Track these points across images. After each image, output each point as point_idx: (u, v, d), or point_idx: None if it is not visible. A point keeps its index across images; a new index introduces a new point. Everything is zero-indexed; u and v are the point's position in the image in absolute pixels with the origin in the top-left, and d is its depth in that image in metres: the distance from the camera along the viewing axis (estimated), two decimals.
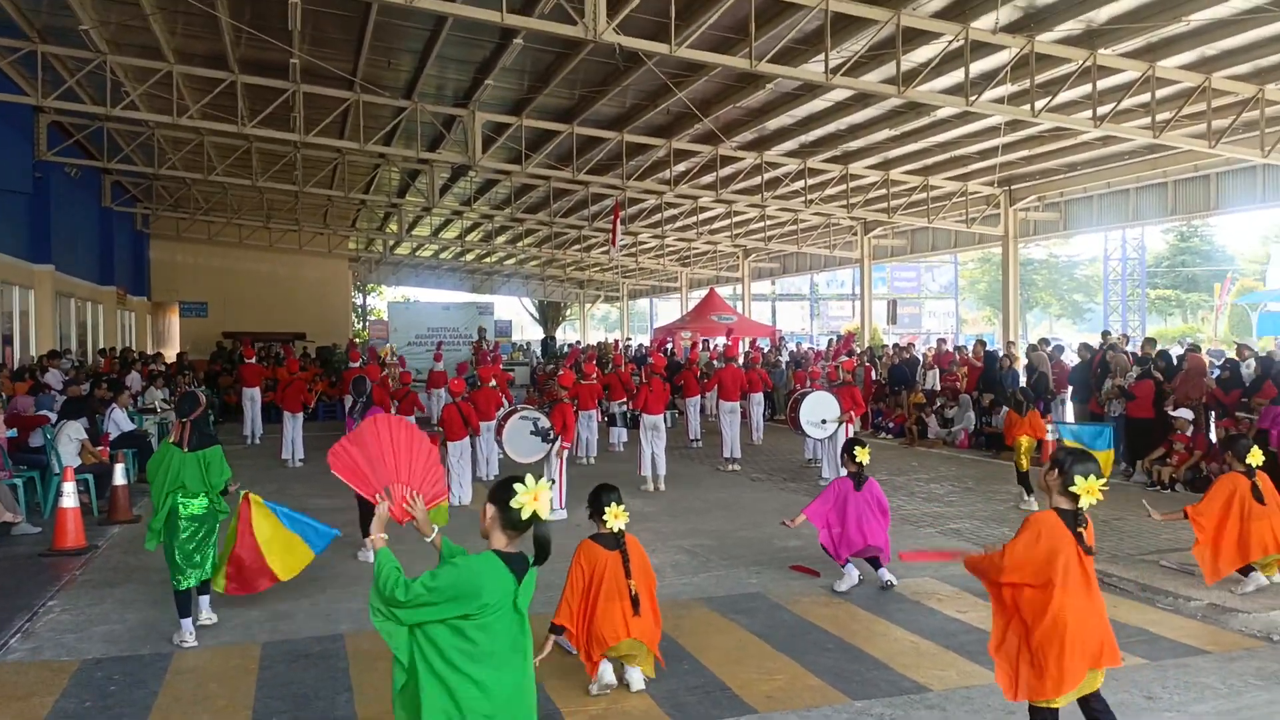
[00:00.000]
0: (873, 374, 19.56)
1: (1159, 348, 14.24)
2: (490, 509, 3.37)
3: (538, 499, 3.30)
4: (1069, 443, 10.39)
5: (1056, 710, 4.05)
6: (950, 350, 20.27)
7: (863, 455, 7.53)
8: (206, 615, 6.65)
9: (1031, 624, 4.03)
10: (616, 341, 30.62)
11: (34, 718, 5.09)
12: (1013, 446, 11.07)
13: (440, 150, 18.66)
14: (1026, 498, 10.97)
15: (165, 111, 15.66)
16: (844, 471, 7.77)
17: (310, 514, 7.34)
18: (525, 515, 3.30)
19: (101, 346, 23.13)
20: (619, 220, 22.55)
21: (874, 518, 7.44)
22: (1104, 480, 4.01)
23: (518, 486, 3.32)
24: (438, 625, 3.23)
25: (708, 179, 20.08)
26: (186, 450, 6.36)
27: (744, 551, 8.85)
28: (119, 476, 10.45)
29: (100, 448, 11.54)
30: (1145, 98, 13.44)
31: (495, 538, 3.37)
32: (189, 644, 6.23)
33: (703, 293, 33.09)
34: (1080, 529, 4.00)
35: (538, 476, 3.38)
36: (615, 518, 5.34)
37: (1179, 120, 13.93)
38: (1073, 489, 3.97)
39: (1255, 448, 7.21)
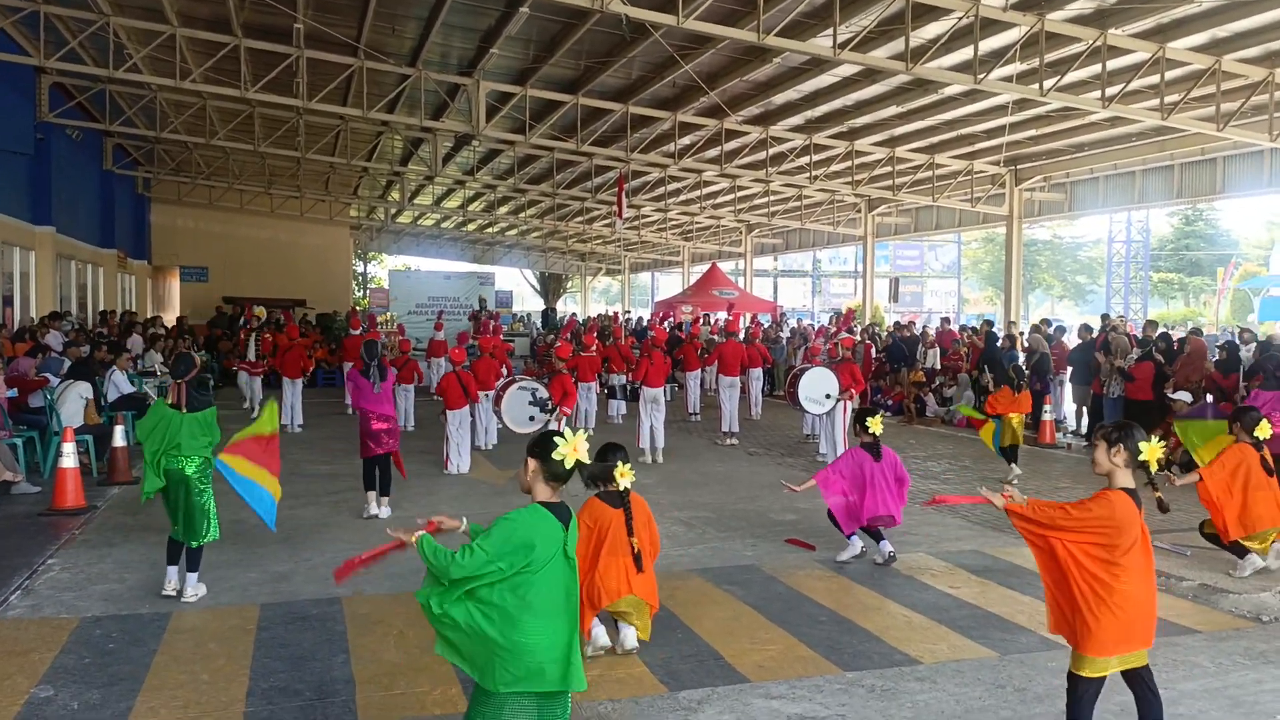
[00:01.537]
0: (873, 351, 19.57)
1: (1160, 330, 14.25)
2: (532, 463, 3.50)
3: (577, 449, 3.47)
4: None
5: (1100, 680, 4.01)
6: (954, 329, 20.25)
7: (875, 425, 7.51)
8: (174, 583, 6.45)
9: (1092, 586, 3.97)
10: (616, 314, 30.62)
11: (34, 673, 5.14)
12: (983, 421, 11.39)
13: (444, 119, 18.54)
14: (1015, 470, 11.29)
15: (168, 75, 15.55)
16: (842, 444, 7.76)
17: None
18: (569, 465, 3.46)
19: (102, 309, 23.12)
20: (623, 193, 22.47)
21: (889, 487, 7.44)
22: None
23: (557, 439, 3.48)
24: (498, 586, 3.30)
25: (712, 153, 19.98)
26: (185, 412, 6.39)
27: (740, 524, 8.91)
28: (119, 438, 10.48)
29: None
30: (1154, 79, 13.36)
31: (538, 490, 3.50)
32: (169, 592, 6.43)
33: (705, 267, 33.04)
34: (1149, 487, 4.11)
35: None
36: (623, 475, 5.33)
37: (1188, 103, 13.85)
38: (1141, 457, 3.98)
39: (1264, 421, 7.24)
